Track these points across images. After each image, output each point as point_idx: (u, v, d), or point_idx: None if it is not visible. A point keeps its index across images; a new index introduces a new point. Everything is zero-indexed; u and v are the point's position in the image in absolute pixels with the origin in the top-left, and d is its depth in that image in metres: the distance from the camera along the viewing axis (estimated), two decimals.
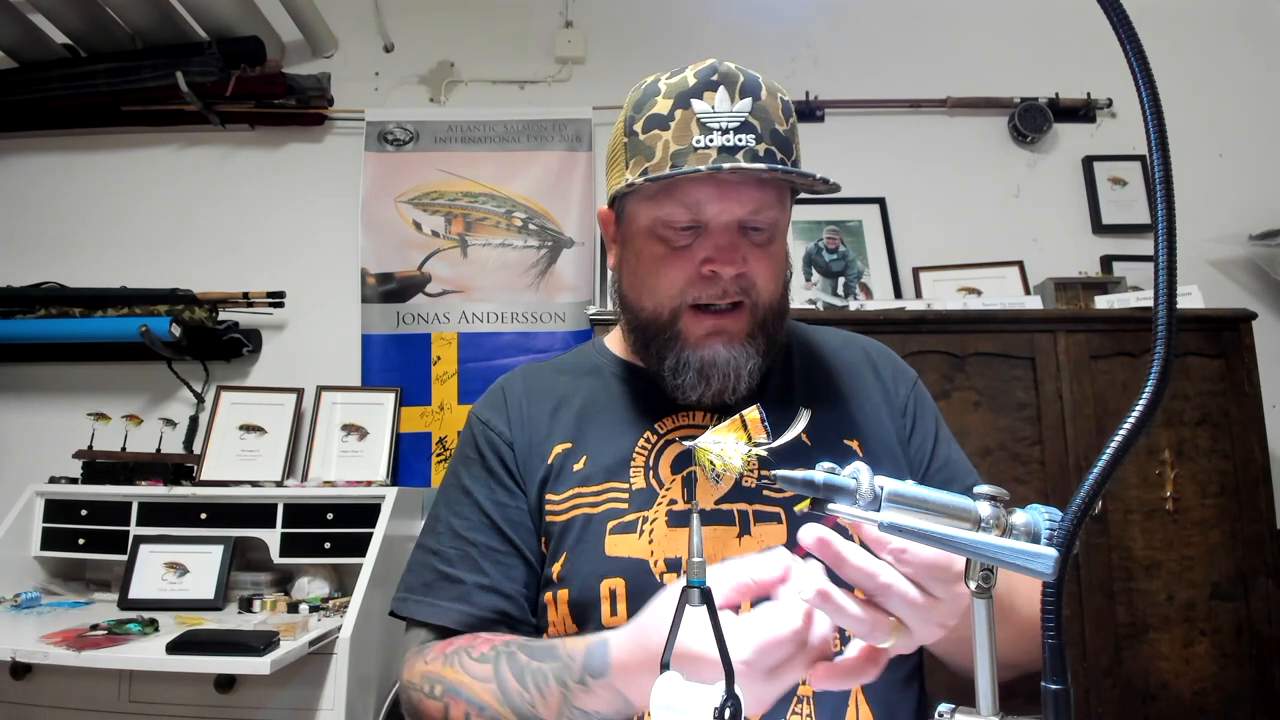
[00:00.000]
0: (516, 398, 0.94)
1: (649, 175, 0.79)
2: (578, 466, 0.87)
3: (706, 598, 0.55)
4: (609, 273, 2.43)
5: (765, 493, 0.84)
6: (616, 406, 0.92)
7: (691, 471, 0.85)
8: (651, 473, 0.86)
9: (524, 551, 0.87)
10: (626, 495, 0.85)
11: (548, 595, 0.85)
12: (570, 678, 0.70)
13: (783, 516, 0.83)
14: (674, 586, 0.62)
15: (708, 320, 0.83)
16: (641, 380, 0.92)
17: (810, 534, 0.57)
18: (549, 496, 0.87)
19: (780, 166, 0.79)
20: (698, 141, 0.79)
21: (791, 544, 0.81)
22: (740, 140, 0.79)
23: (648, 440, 0.88)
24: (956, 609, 0.57)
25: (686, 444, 0.68)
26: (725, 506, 0.83)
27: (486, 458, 0.91)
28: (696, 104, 0.79)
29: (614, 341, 0.98)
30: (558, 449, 0.89)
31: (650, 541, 0.82)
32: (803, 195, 0.89)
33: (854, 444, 0.88)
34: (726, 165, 0.77)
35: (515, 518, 0.87)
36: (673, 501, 0.84)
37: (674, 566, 0.81)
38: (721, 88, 0.80)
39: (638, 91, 0.85)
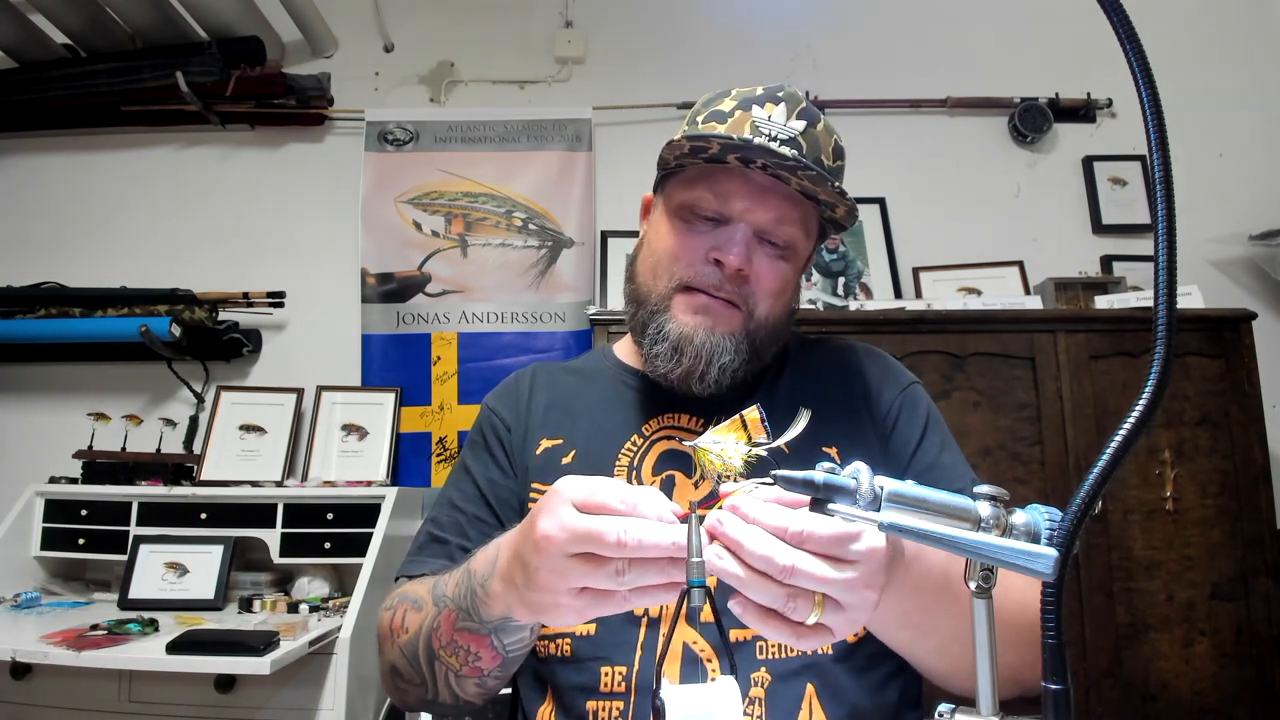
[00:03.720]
0: (523, 390, 1.00)
1: (690, 135, 0.84)
2: (566, 460, 0.91)
3: (708, 597, 0.55)
4: (609, 271, 2.44)
5: None
6: (610, 407, 0.95)
7: (671, 475, 0.87)
8: (634, 473, 0.88)
9: (507, 526, 0.88)
10: None
11: None
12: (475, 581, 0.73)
13: None
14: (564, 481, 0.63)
15: (699, 298, 0.87)
16: (637, 382, 0.96)
17: (711, 517, 0.57)
18: (536, 485, 0.91)
19: (807, 163, 0.81)
20: (745, 139, 0.83)
21: None
22: (784, 150, 0.82)
23: (634, 443, 0.91)
24: (874, 565, 0.56)
25: (686, 444, 0.68)
26: (700, 511, 0.83)
27: (488, 440, 0.97)
28: (756, 110, 0.86)
29: (619, 348, 1.03)
30: (545, 444, 0.93)
31: None
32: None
33: (832, 450, 0.89)
34: (756, 141, 0.81)
35: (504, 496, 0.93)
36: None
37: None
38: (783, 103, 0.86)
39: (710, 94, 0.92)
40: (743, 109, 0.86)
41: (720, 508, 0.59)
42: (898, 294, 2.42)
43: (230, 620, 1.81)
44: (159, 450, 2.27)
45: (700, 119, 0.89)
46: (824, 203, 0.86)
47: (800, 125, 0.85)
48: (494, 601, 0.69)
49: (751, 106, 0.86)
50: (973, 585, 0.51)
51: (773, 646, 0.80)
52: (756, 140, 0.82)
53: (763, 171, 0.84)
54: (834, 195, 0.83)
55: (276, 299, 2.39)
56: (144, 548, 1.98)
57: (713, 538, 0.57)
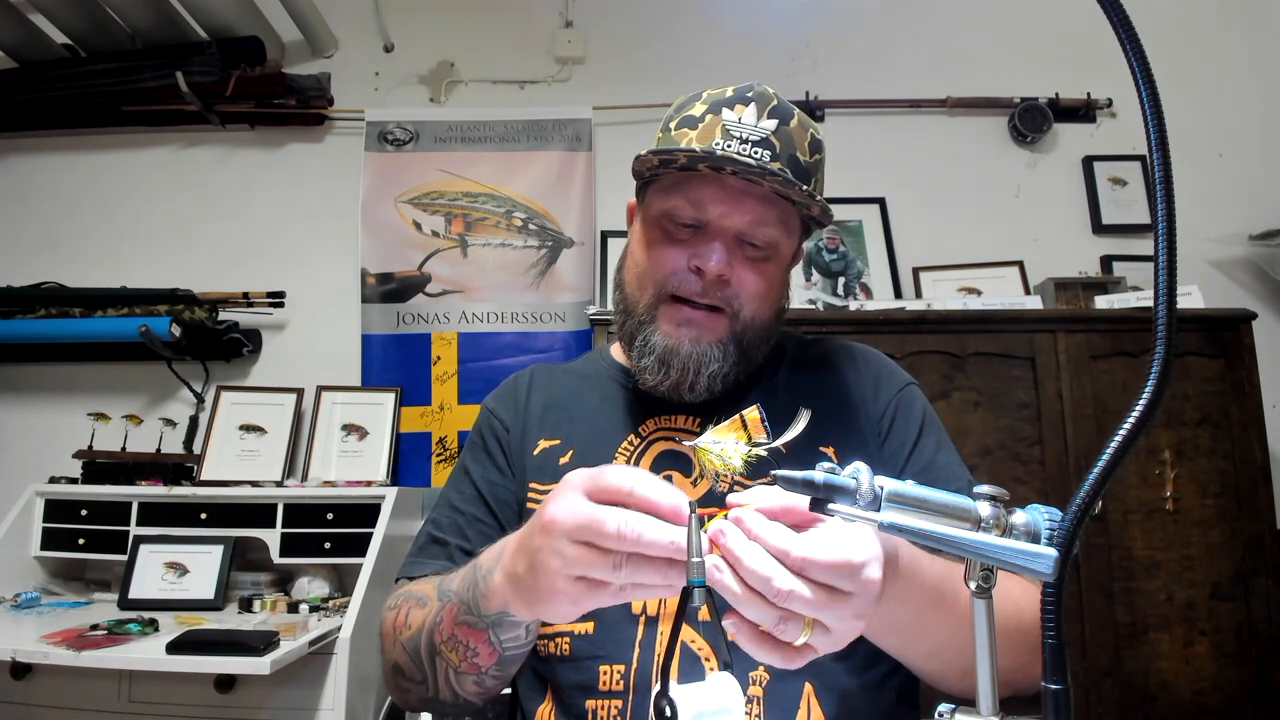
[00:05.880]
0: (523, 390, 1.01)
1: (655, 150, 0.84)
2: (564, 460, 0.91)
3: (709, 597, 0.55)
4: (609, 271, 2.44)
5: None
6: (606, 408, 0.96)
7: (668, 475, 0.87)
8: None
9: (506, 528, 0.89)
10: None
11: None
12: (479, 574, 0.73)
13: None
14: (573, 473, 0.62)
15: (683, 310, 0.87)
16: (633, 383, 0.96)
17: (714, 526, 0.57)
18: (534, 485, 0.92)
19: (773, 170, 0.81)
20: (716, 144, 0.83)
21: None
22: (756, 153, 0.82)
23: (630, 443, 0.91)
24: (868, 598, 0.56)
25: (686, 445, 0.68)
26: (700, 513, 0.83)
27: (487, 441, 0.98)
28: (726, 113, 0.85)
29: (617, 349, 1.03)
30: (543, 444, 0.94)
31: None
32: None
33: (829, 450, 0.89)
34: (720, 152, 0.81)
35: (502, 496, 0.93)
36: None
37: None
38: (753, 104, 0.85)
39: (683, 98, 0.92)
40: (713, 112, 0.85)
41: (725, 516, 0.58)
42: (898, 294, 2.42)
43: (230, 620, 1.81)
44: (159, 450, 2.27)
45: (673, 125, 0.89)
46: (799, 203, 0.86)
47: (772, 125, 0.84)
48: (493, 595, 0.69)
49: (721, 109, 0.85)
50: (973, 585, 0.51)
51: None
52: (724, 147, 0.82)
53: (735, 175, 0.84)
54: (804, 197, 0.83)
55: (276, 299, 2.39)
56: (144, 548, 1.98)
57: (714, 546, 0.57)
